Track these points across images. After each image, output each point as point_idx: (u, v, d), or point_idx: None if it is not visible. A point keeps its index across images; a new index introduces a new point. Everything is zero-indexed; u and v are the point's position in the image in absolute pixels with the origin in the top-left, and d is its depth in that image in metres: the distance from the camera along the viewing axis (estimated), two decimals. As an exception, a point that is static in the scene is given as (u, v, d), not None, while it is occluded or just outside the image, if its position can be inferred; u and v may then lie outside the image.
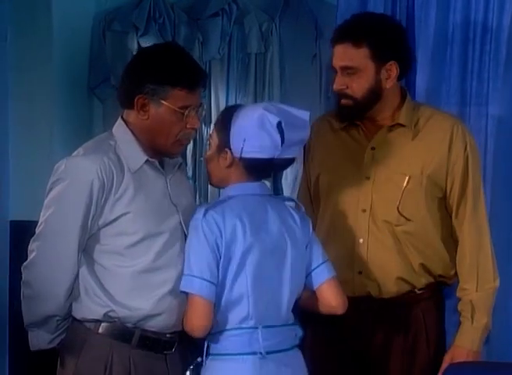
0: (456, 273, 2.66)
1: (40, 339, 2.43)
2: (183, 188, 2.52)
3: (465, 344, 2.59)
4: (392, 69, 2.58)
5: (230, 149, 2.30)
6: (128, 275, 2.34)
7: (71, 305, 2.38)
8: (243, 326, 2.26)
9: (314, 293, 2.39)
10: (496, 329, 2.96)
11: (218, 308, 2.25)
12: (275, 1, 3.61)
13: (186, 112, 2.36)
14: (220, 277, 2.24)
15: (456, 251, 2.65)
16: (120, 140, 2.40)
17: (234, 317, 2.25)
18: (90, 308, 2.35)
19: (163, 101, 2.34)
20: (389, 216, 2.58)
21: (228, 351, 2.26)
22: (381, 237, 2.58)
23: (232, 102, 3.60)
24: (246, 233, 2.25)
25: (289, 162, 2.33)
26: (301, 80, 3.60)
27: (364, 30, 2.56)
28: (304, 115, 2.32)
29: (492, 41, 2.98)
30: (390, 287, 2.57)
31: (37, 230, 2.37)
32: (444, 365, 2.58)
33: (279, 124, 2.24)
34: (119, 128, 2.43)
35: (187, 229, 2.42)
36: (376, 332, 2.54)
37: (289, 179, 3.63)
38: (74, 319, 2.39)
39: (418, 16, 3.08)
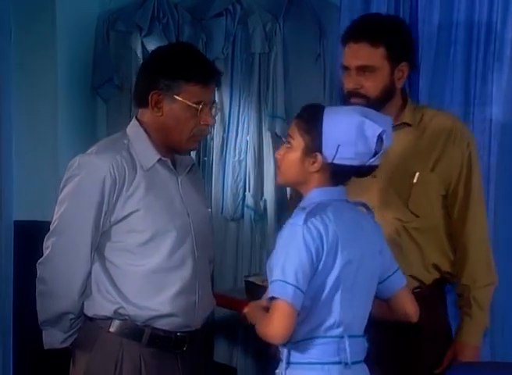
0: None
1: (53, 338, 2.45)
2: (195, 190, 2.53)
3: (465, 339, 2.62)
4: (404, 70, 2.60)
5: (321, 154, 2.20)
6: (139, 274, 2.36)
7: (84, 304, 2.41)
8: (330, 334, 2.18)
9: (382, 301, 2.33)
10: (499, 329, 2.97)
11: (306, 317, 2.17)
12: (278, 1, 3.60)
13: (200, 107, 2.38)
14: (314, 286, 2.16)
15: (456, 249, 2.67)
16: (133, 139, 2.42)
17: (321, 325, 2.18)
18: (101, 304, 2.37)
19: (177, 97, 2.36)
20: (398, 213, 2.59)
21: (313, 359, 2.17)
22: (391, 234, 2.57)
23: (235, 102, 3.60)
24: (345, 244, 2.18)
25: (373, 169, 2.27)
26: (305, 80, 3.60)
27: (381, 30, 2.56)
28: (390, 121, 2.25)
29: (496, 41, 2.98)
30: None
31: (52, 227, 2.40)
32: (446, 361, 2.61)
33: (380, 135, 2.17)
34: (133, 128, 2.45)
35: (198, 231, 2.44)
36: (384, 329, 2.53)
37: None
38: (86, 317, 2.42)
39: (422, 17, 3.08)
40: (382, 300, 2.33)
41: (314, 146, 2.20)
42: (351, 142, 2.17)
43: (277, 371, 2.23)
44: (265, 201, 3.58)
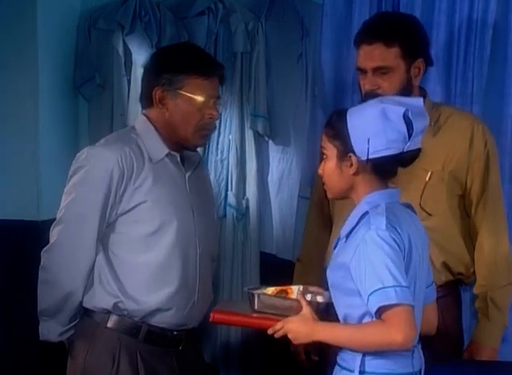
0: (474, 272, 2.66)
1: (51, 330, 2.46)
2: (202, 188, 2.56)
3: (483, 341, 2.61)
4: (421, 67, 2.61)
5: (354, 153, 2.16)
6: (141, 268, 2.39)
7: (83, 297, 2.42)
8: None
9: None
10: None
11: None
12: (261, 0, 3.61)
13: (203, 99, 2.39)
14: None
15: (473, 249, 2.65)
16: (142, 133, 2.45)
17: None
18: (101, 296, 2.39)
19: (180, 91, 2.40)
20: None
21: (388, 370, 2.11)
22: None
23: (218, 101, 3.59)
24: (415, 249, 2.14)
25: (417, 154, 2.20)
26: (287, 79, 3.60)
27: (395, 29, 2.56)
28: (419, 102, 2.20)
29: (477, 40, 3.00)
30: None
31: (58, 216, 2.42)
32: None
33: (405, 114, 2.11)
34: (142, 123, 2.48)
35: (201, 229, 2.47)
36: None
37: (274, 177, 3.63)
38: (84, 312, 2.43)
39: (403, 16, 3.09)
40: None
41: (345, 148, 2.16)
42: (379, 132, 2.11)
43: None
44: (247, 200, 3.58)
